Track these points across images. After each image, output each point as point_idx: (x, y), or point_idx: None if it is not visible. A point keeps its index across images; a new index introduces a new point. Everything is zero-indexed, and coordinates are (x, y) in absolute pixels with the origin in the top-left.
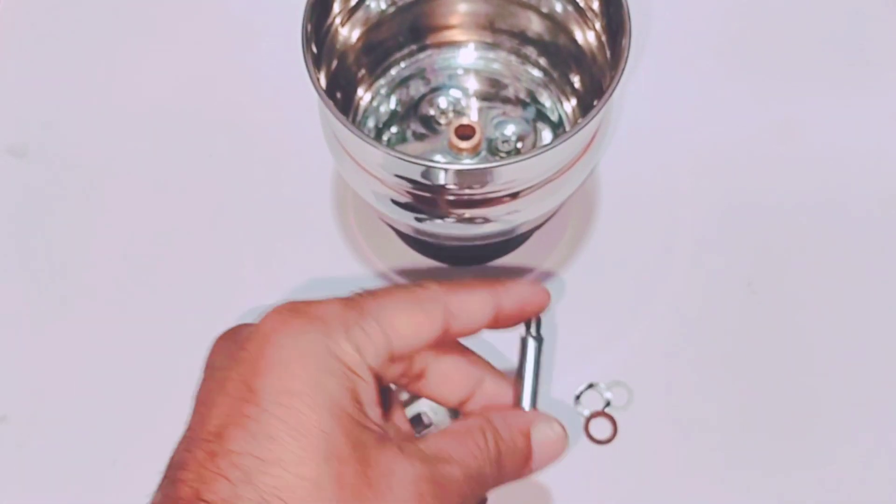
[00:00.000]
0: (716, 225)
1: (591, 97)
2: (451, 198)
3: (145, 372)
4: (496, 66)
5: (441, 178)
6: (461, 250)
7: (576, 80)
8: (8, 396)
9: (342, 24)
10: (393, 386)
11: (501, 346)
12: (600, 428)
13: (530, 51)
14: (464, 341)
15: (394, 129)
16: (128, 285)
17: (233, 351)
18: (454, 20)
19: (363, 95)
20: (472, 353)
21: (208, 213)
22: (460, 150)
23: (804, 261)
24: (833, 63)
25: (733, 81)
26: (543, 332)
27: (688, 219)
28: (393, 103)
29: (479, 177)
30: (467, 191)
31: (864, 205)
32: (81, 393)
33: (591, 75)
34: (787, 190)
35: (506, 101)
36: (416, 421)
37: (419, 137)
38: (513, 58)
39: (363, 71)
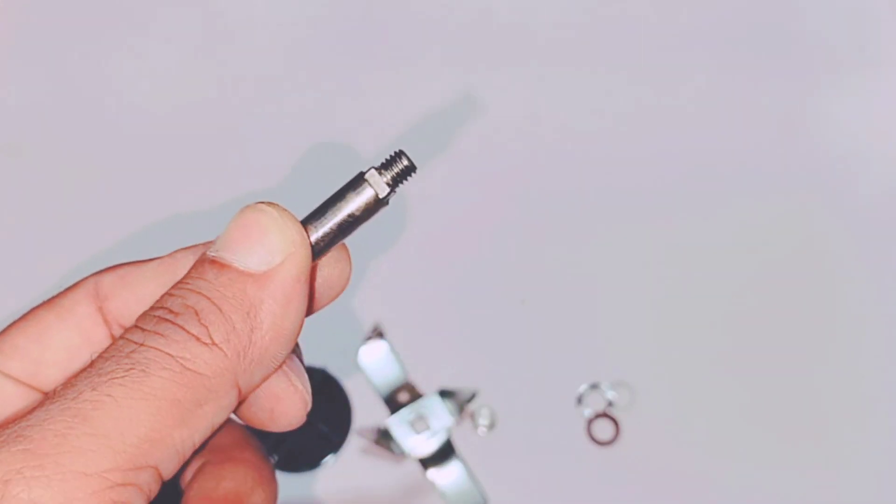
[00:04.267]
0: (719, 223)
1: None
2: None
3: None
4: None
5: None
6: None
7: None
8: None
9: None
10: None
11: None
12: (602, 429)
13: None
14: None
15: None
16: None
17: None
18: None
19: None
20: None
21: (207, 213)
22: None
23: (808, 257)
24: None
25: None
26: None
27: (689, 218)
28: None
29: None
30: None
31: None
32: None
33: None
34: (791, 189)
35: None
36: (419, 423)
37: None
38: None
39: None
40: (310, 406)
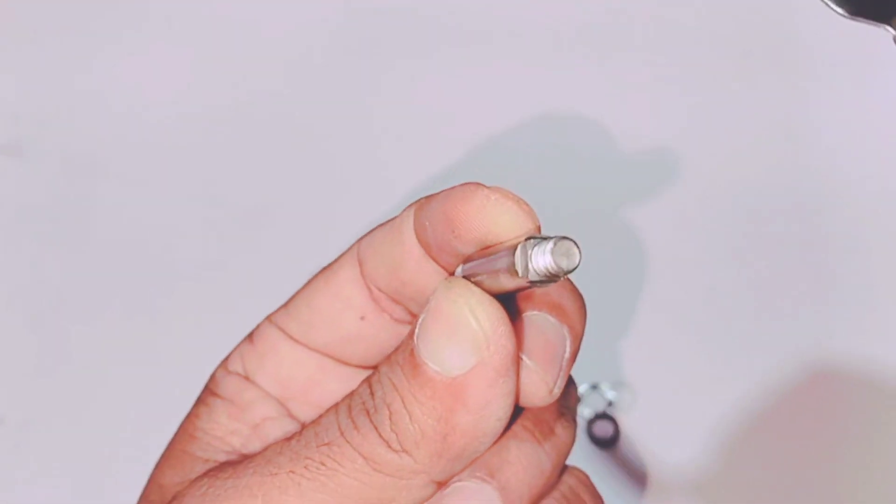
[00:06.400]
0: (719, 225)
1: None
2: None
3: (143, 373)
4: None
5: None
6: None
7: None
8: (4, 398)
9: None
10: None
11: None
12: (602, 429)
13: None
14: None
15: None
16: (125, 286)
17: None
18: None
19: None
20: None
21: (206, 213)
22: None
23: (807, 261)
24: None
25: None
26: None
27: (690, 219)
28: None
29: None
30: None
31: (863, 204)
32: (79, 394)
33: None
34: (792, 191)
35: None
36: None
37: None
38: None
39: None
40: (554, 388)
